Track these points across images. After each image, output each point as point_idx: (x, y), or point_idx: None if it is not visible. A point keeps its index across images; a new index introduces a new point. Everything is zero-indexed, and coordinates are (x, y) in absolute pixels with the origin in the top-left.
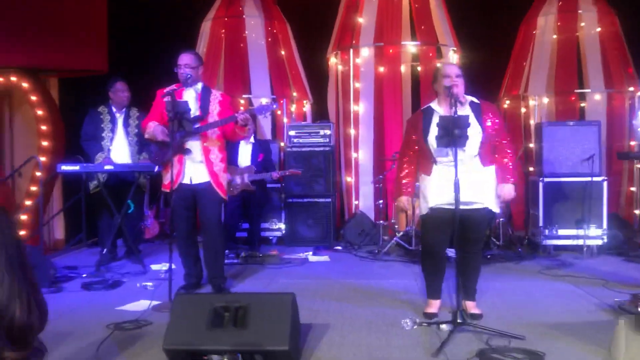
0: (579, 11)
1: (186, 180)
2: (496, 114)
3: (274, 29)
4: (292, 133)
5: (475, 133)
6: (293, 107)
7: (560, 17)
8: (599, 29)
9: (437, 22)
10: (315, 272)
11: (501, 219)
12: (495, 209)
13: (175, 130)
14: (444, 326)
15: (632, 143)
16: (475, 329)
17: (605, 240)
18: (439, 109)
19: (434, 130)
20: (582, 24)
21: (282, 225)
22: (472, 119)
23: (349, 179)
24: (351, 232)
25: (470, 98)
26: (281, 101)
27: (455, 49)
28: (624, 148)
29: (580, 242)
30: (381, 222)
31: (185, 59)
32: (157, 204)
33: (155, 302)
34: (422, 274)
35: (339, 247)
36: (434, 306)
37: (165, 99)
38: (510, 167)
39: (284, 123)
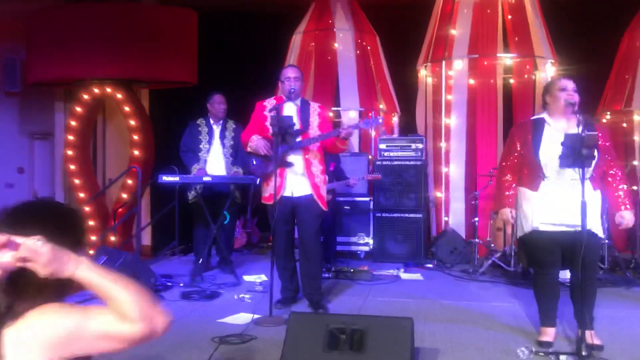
0: None
1: (287, 193)
2: (607, 135)
3: (364, 41)
4: (382, 146)
5: None
6: (381, 120)
7: None
8: None
9: (535, 33)
10: (410, 291)
11: (606, 241)
12: (601, 233)
13: (278, 144)
14: (564, 357)
15: None
16: None
17: None
18: (552, 121)
19: (546, 144)
20: None
21: (370, 240)
22: None
23: (439, 194)
24: (442, 249)
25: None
26: (369, 113)
27: (553, 61)
28: None
29: None
30: (476, 240)
31: (294, 72)
32: (245, 215)
33: (256, 316)
34: (535, 298)
35: (430, 265)
36: (549, 334)
37: (270, 114)
38: (627, 192)
39: (370, 135)
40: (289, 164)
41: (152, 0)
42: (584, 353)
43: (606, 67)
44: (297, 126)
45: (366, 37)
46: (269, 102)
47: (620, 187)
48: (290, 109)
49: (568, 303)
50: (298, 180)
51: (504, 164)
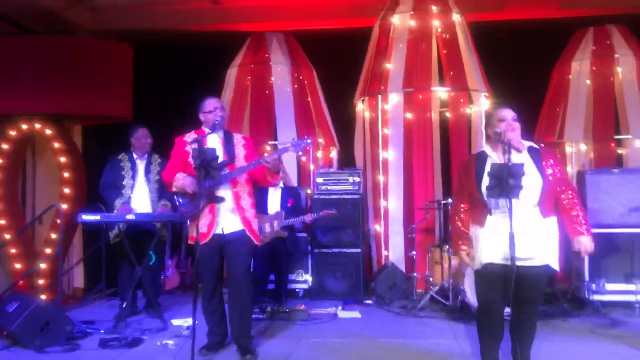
0: (615, 55)
1: (218, 231)
2: (557, 160)
3: (300, 75)
4: (319, 180)
5: (535, 181)
6: (319, 154)
7: (595, 62)
8: (637, 73)
9: (468, 67)
10: (347, 330)
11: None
12: (556, 266)
13: (202, 178)
14: None
15: None
16: None
17: None
18: (493, 154)
19: (487, 178)
20: (619, 69)
21: (309, 277)
22: (532, 166)
23: (378, 228)
24: (382, 285)
25: (528, 143)
26: (307, 148)
27: (487, 94)
28: None
29: (630, 297)
30: (414, 274)
31: (215, 103)
32: (179, 254)
33: None
34: (478, 336)
35: (369, 302)
36: None
37: (191, 147)
38: (582, 216)
39: (309, 170)
40: (220, 199)
41: (87, 33)
42: None
43: (538, 100)
44: (222, 158)
45: (303, 71)
46: (190, 137)
47: (575, 212)
48: (213, 141)
49: (506, 339)
50: (228, 216)
51: (456, 205)
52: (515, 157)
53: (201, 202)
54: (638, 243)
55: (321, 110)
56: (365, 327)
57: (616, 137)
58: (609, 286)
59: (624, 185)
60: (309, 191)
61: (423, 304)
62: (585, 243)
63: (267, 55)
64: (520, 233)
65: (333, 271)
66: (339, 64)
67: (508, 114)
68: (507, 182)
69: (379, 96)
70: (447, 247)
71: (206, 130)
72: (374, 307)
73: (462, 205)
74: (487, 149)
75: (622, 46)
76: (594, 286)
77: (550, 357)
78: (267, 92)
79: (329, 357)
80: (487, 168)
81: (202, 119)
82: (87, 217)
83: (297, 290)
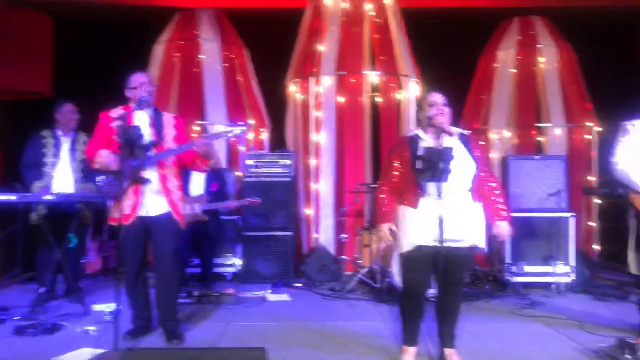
0: (538, 45)
1: (142, 213)
2: (481, 148)
3: (231, 53)
4: (250, 162)
5: (468, 166)
6: (250, 135)
7: (520, 51)
8: (557, 64)
9: (399, 52)
10: (276, 313)
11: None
12: (483, 244)
13: (126, 158)
14: None
15: (591, 178)
16: None
17: (573, 277)
18: (426, 137)
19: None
20: (542, 59)
21: (238, 261)
22: (464, 152)
23: (309, 211)
24: (311, 267)
25: (458, 130)
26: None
27: (416, 80)
28: (583, 183)
29: (548, 279)
30: (344, 257)
31: (141, 78)
32: (101, 237)
33: (99, 351)
34: (400, 317)
35: (299, 284)
36: (410, 354)
37: (115, 124)
38: (502, 202)
39: (240, 151)
40: (145, 180)
41: (2, 3)
42: None
43: (466, 87)
44: (151, 138)
45: (233, 49)
46: (116, 112)
47: (496, 198)
48: (141, 119)
49: (431, 319)
50: (153, 198)
51: (381, 182)
52: (447, 142)
53: (124, 182)
54: (556, 226)
55: (252, 91)
56: (294, 310)
57: (537, 125)
58: (529, 268)
59: (544, 170)
60: (238, 173)
61: (352, 286)
62: (504, 228)
63: (196, 31)
64: (453, 216)
65: (263, 254)
66: (270, 43)
67: (438, 98)
68: (437, 165)
69: (312, 78)
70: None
71: (132, 107)
72: (303, 290)
73: (386, 187)
74: (419, 132)
75: (545, 37)
76: (514, 268)
77: (474, 336)
78: (195, 69)
79: (257, 340)
80: (421, 150)
81: (128, 95)
82: (1, 196)
83: (225, 274)
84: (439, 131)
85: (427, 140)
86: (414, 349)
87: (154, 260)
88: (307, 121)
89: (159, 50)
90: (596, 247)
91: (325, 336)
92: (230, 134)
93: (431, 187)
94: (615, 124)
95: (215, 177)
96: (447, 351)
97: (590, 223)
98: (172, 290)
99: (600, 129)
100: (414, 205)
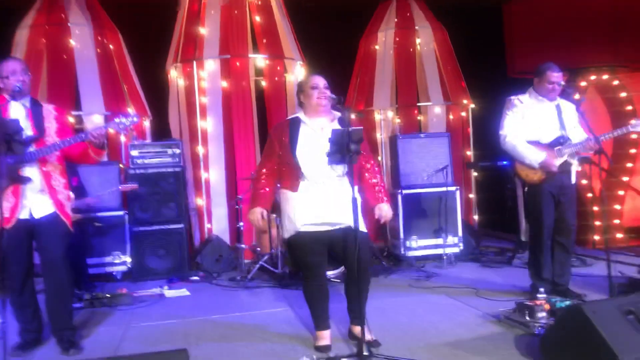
0: (416, 27)
1: (24, 215)
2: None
3: (104, 38)
4: (134, 153)
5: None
6: (136, 118)
7: (398, 33)
8: (434, 45)
9: (283, 35)
10: (177, 310)
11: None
12: (364, 228)
13: (3, 154)
14: None
15: (469, 153)
16: None
17: (461, 247)
18: (307, 120)
19: (303, 144)
20: (419, 40)
21: (128, 258)
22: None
23: (200, 201)
24: (208, 259)
25: (338, 113)
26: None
27: (302, 62)
28: (463, 158)
29: (439, 251)
30: (241, 245)
31: (12, 66)
32: None
33: None
34: (306, 302)
35: (196, 277)
36: (325, 338)
37: None
38: (383, 186)
39: (120, 142)
40: (26, 180)
41: None
42: (365, 353)
43: (350, 70)
44: (30, 132)
45: (107, 34)
46: None
47: (376, 180)
48: (17, 111)
49: (337, 301)
50: (37, 198)
51: (260, 167)
52: (328, 125)
53: (2, 182)
54: (443, 200)
55: (130, 77)
56: (196, 305)
57: (418, 104)
58: (422, 242)
59: (431, 148)
60: (121, 166)
61: (253, 274)
62: (385, 210)
63: (63, 15)
64: (336, 199)
65: (155, 249)
66: (146, 27)
67: (320, 81)
68: (348, 147)
69: (194, 62)
70: (274, 215)
71: (7, 97)
72: (201, 283)
73: (264, 170)
74: (300, 115)
75: (421, 19)
76: (408, 243)
77: (382, 312)
78: (65, 56)
79: (164, 340)
80: (304, 133)
81: (0, 85)
82: None
83: (114, 273)
84: (324, 114)
85: (307, 124)
86: (327, 332)
87: (42, 266)
88: (191, 107)
89: (22, 36)
90: (476, 217)
91: (234, 328)
92: (121, 126)
93: (312, 170)
94: (489, 101)
95: (74, 171)
96: (357, 329)
97: (470, 195)
98: (64, 296)
99: (474, 106)
100: (294, 189)
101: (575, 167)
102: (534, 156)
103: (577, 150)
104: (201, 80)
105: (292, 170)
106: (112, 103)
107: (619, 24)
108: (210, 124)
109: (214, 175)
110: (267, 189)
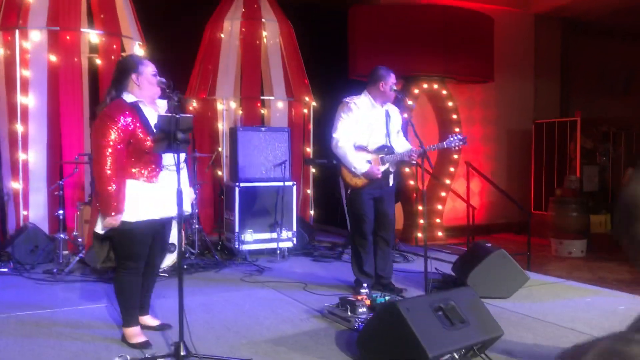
0: (262, 20)
1: None
2: None
3: None
4: None
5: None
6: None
7: (245, 23)
8: (280, 39)
9: (122, 12)
10: None
11: (197, 226)
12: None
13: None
14: None
15: (308, 149)
16: (201, 359)
17: (295, 242)
18: (145, 107)
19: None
20: (265, 33)
21: None
22: None
23: (16, 185)
24: (21, 249)
25: (163, 102)
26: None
27: (141, 43)
28: (302, 154)
29: (273, 245)
30: (61, 235)
31: None
32: None
33: None
34: (121, 297)
35: (5, 270)
36: (141, 334)
37: None
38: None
39: None
40: None
41: None
42: (182, 353)
43: (193, 55)
44: None
45: None
46: None
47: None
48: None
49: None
50: None
51: (110, 156)
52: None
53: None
54: (280, 195)
55: None
56: (1, 300)
57: (262, 97)
58: (257, 235)
59: (271, 142)
60: None
61: (72, 267)
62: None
63: None
64: (185, 188)
65: None
66: None
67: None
68: (175, 135)
69: (17, 31)
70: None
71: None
72: (11, 276)
73: (116, 162)
74: (128, 96)
75: (268, 12)
76: (243, 237)
77: (207, 308)
78: None
79: None
80: (152, 120)
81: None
82: None
83: None
84: (175, 100)
85: (146, 106)
86: (139, 328)
87: None
88: (11, 81)
89: None
90: (312, 212)
91: (41, 326)
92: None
93: (167, 158)
94: (328, 100)
95: None
96: (147, 319)
97: (307, 190)
98: None
99: (315, 104)
100: (151, 179)
101: (392, 173)
102: (360, 166)
103: (400, 159)
104: (24, 52)
105: (149, 159)
106: None
107: (449, 38)
108: (32, 100)
109: (34, 156)
110: (122, 194)
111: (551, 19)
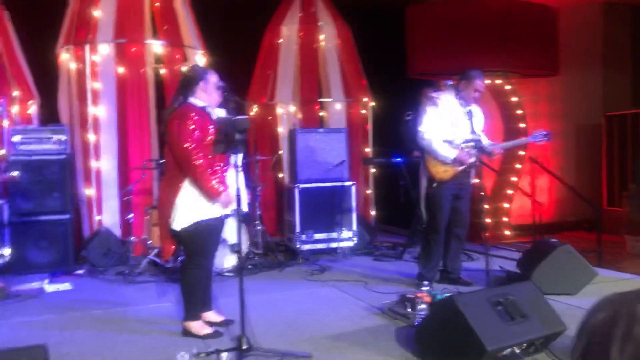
0: (319, 23)
1: None
2: None
3: None
4: (16, 139)
5: None
6: (15, 109)
7: (302, 28)
8: (337, 42)
9: (183, 23)
10: (57, 304)
11: (260, 227)
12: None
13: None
14: (225, 354)
15: (367, 149)
16: (262, 353)
17: (355, 241)
18: (211, 108)
19: None
20: (322, 36)
21: (7, 251)
22: None
23: (90, 192)
24: (95, 252)
25: (223, 111)
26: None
27: (202, 52)
28: (361, 154)
29: (334, 245)
30: (131, 238)
31: None
32: None
33: None
34: (188, 292)
35: (81, 271)
36: (206, 326)
37: None
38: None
39: (3, 127)
40: None
41: None
42: (244, 347)
43: (253, 61)
44: None
45: None
46: None
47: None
48: None
49: None
50: None
51: (202, 156)
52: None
53: None
54: (339, 195)
55: (15, 58)
56: (78, 300)
57: (320, 100)
58: (317, 236)
59: (329, 143)
60: (3, 152)
61: (142, 268)
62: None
63: None
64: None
65: (36, 241)
66: (35, 6)
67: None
68: (232, 137)
69: (87, 46)
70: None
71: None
72: (87, 278)
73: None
74: (197, 101)
75: (325, 15)
76: (304, 237)
77: (269, 306)
78: None
79: (37, 336)
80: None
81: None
82: None
83: None
84: (234, 103)
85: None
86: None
87: None
88: (83, 93)
89: None
90: (373, 212)
91: (114, 323)
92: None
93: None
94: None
95: None
96: (210, 315)
97: (367, 191)
98: None
99: (374, 104)
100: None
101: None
102: (448, 153)
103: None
104: (94, 65)
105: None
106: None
107: (508, 32)
108: (102, 111)
109: (106, 164)
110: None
111: (621, 6)
